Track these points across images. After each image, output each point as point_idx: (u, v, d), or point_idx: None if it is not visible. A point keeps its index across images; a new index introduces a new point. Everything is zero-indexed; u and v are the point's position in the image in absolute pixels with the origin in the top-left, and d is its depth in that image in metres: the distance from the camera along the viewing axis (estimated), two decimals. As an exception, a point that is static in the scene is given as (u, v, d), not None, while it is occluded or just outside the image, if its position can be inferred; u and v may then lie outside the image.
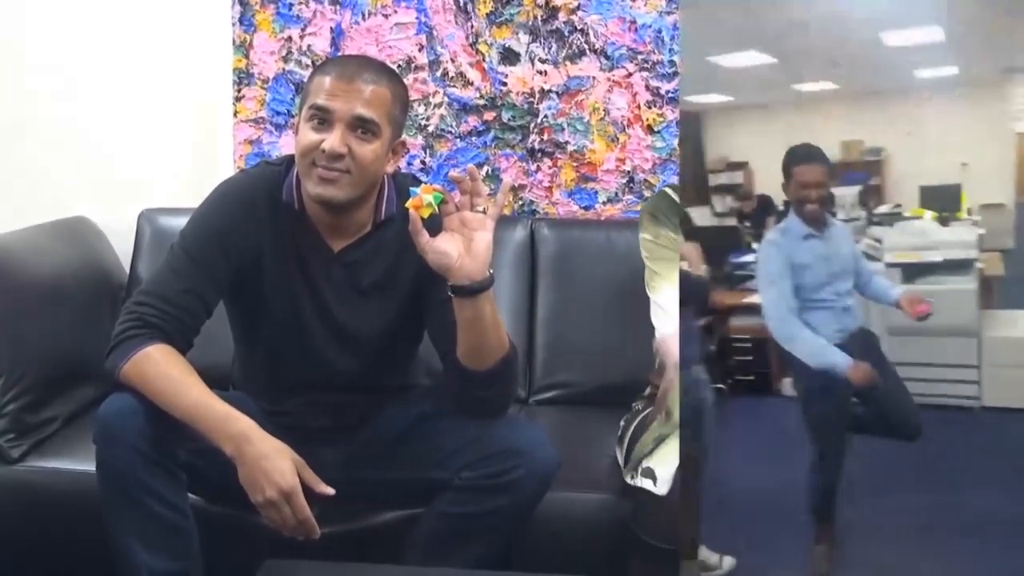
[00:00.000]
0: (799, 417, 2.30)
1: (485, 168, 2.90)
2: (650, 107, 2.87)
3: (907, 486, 2.29)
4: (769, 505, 2.32)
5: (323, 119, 1.94)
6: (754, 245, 2.97)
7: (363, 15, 2.90)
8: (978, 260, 2.46)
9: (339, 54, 2.87)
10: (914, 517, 2.22)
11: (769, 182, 3.13)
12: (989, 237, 2.54)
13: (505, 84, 2.89)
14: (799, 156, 2.26)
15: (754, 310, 2.74)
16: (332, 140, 1.93)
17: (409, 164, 2.91)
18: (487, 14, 2.87)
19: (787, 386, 2.57)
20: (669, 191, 2.23)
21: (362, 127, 1.95)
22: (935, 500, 2.25)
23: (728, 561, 2.35)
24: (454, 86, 2.90)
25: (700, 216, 3.20)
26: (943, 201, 2.60)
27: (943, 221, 2.54)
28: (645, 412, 2.20)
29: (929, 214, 2.89)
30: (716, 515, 2.14)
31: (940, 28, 3.07)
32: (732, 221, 3.14)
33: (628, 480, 2.08)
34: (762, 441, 2.48)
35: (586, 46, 2.86)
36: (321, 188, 1.95)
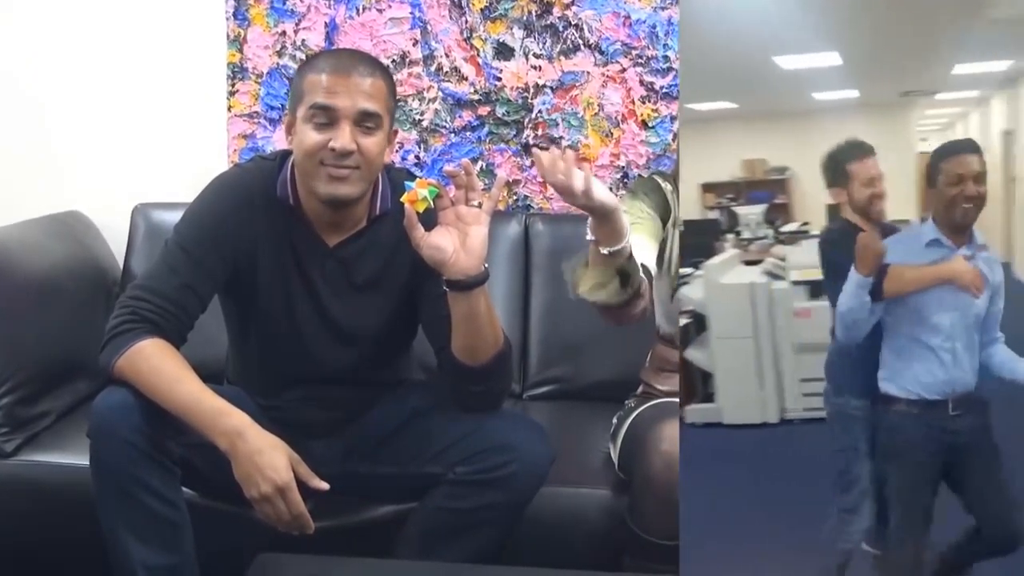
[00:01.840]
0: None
1: (479, 163, 2.90)
2: (644, 102, 2.87)
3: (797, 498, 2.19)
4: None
5: (327, 117, 1.93)
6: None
7: (357, 10, 2.89)
8: None
9: (331, 48, 2.86)
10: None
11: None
12: None
13: (499, 79, 2.89)
14: (950, 148, 1.96)
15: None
16: (343, 138, 1.91)
17: (403, 159, 2.91)
18: (481, 9, 2.87)
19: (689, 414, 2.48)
20: (657, 177, 2.22)
21: (367, 121, 1.94)
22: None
23: None
24: (448, 81, 2.90)
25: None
26: None
27: None
28: (639, 409, 2.20)
29: None
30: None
31: (837, 53, 3.08)
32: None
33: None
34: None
35: (580, 41, 2.86)
36: (333, 187, 1.94)
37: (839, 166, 2.06)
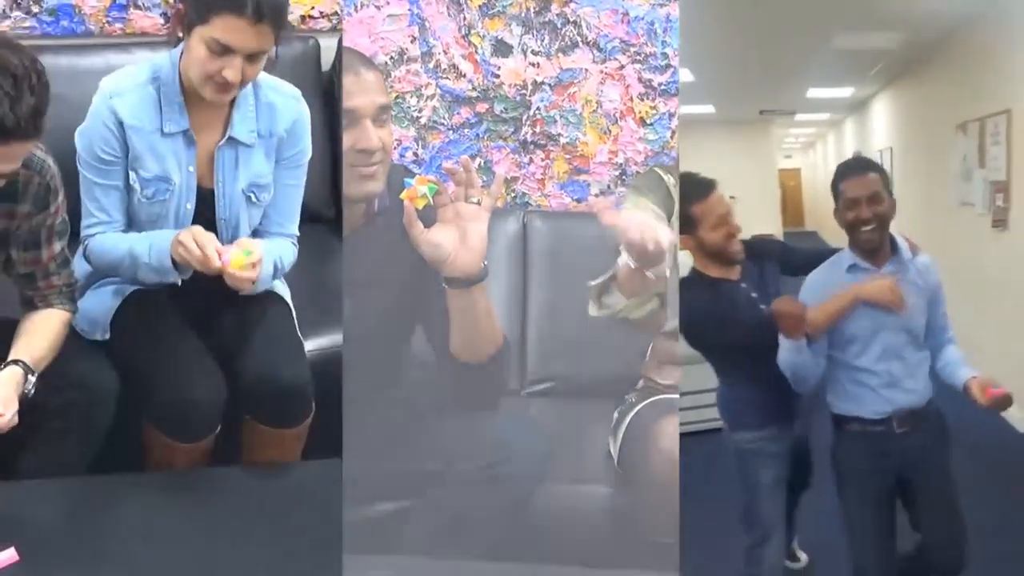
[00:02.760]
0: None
1: (477, 160, 2.90)
2: (643, 99, 2.87)
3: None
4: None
5: (348, 119, 1.92)
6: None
7: (356, 6, 2.89)
8: None
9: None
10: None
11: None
12: None
13: (498, 76, 2.89)
14: (846, 169, 1.93)
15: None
16: (371, 138, 1.89)
17: (401, 156, 2.90)
18: (480, 6, 2.86)
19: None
20: (658, 169, 2.21)
21: (382, 114, 1.94)
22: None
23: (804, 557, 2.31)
24: (446, 78, 2.90)
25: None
26: None
27: None
28: (640, 404, 2.20)
29: None
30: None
31: (687, 70, 3.09)
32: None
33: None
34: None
35: (579, 38, 2.86)
36: (364, 186, 1.93)
37: (681, 211, 1.94)
